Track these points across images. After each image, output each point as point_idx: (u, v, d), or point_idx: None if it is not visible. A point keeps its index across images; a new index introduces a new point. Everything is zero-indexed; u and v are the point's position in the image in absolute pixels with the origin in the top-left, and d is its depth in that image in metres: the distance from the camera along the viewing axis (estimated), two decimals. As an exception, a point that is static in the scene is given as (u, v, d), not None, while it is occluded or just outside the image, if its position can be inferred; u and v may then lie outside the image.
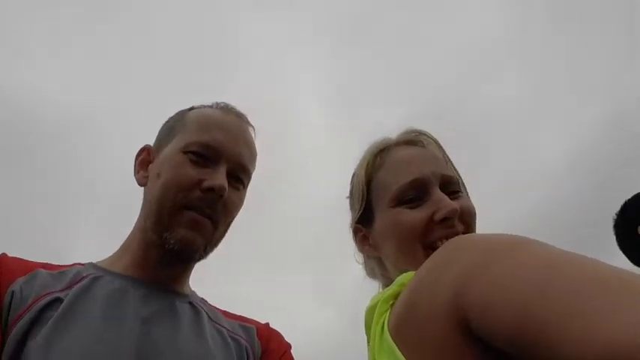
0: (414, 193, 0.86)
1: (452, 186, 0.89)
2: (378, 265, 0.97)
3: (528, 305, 0.42)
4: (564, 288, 0.41)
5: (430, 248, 0.83)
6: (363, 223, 0.96)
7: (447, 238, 0.81)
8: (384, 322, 0.63)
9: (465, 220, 0.86)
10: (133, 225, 1.00)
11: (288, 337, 1.03)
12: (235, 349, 0.92)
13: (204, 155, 0.93)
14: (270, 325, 1.05)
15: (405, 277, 0.66)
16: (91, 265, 0.95)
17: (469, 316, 0.48)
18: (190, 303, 0.96)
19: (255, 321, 1.03)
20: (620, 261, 1.97)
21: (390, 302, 0.66)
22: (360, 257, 1.02)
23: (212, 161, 0.93)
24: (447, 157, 0.94)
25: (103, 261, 0.98)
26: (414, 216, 0.85)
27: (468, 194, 0.94)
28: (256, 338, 0.98)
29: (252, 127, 1.04)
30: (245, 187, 1.01)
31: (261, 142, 1.05)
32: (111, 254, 1.00)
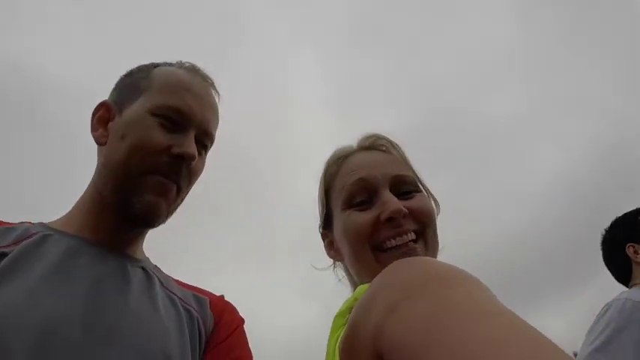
0: (363, 196, 0.88)
1: (405, 186, 0.89)
2: (345, 269, 0.98)
3: None
4: (447, 349, 0.38)
5: (378, 249, 0.85)
6: (328, 229, 0.98)
7: (395, 237, 0.84)
8: (337, 339, 0.62)
9: (419, 219, 0.87)
10: (88, 185, 0.96)
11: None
12: (186, 319, 0.90)
13: (174, 120, 0.91)
14: (225, 298, 1.02)
15: (359, 292, 0.65)
16: (41, 224, 0.92)
17: (384, 355, 0.46)
18: (143, 268, 0.93)
19: (208, 292, 1.01)
20: (605, 277, 2.03)
21: (346, 317, 0.64)
22: (319, 263, 1.04)
23: (181, 127, 0.91)
24: (406, 158, 0.95)
25: (54, 221, 0.94)
26: (362, 217, 0.86)
27: (428, 194, 0.94)
28: (209, 310, 0.95)
29: (217, 92, 1.02)
30: (209, 149, 1.00)
31: (223, 107, 1.03)
32: (62, 215, 0.96)
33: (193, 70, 1.00)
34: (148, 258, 1.00)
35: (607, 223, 2.08)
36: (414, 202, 0.87)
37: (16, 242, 0.83)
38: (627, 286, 1.94)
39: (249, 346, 0.97)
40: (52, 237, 0.87)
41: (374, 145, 0.96)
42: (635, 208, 2.02)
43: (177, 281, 1.00)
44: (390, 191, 0.87)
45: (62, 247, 0.85)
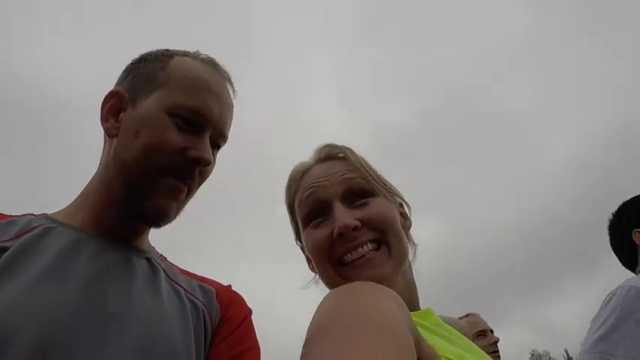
0: (318, 212, 0.89)
1: (356, 195, 0.89)
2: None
3: None
4: None
5: (339, 264, 0.86)
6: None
7: (351, 251, 0.84)
8: None
9: (375, 227, 0.86)
10: (92, 176, 0.94)
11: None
12: (191, 311, 0.88)
13: (190, 121, 0.87)
14: (232, 288, 1.00)
15: None
16: (44, 216, 0.90)
17: None
18: (148, 259, 0.92)
19: (215, 282, 0.99)
20: (612, 262, 1.98)
21: None
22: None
23: (198, 128, 0.88)
24: (363, 162, 0.94)
25: (57, 213, 0.92)
26: (318, 235, 0.88)
27: (392, 195, 0.93)
28: (215, 301, 0.93)
29: (234, 88, 0.98)
30: (222, 146, 0.97)
31: (240, 108, 1.00)
32: (65, 206, 0.94)
33: (212, 64, 0.96)
34: (153, 248, 0.98)
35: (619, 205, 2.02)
36: (368, 211, 0.87)
37: (17, 236, 0.81)
38: (634, 272, 1.90)
39: (257, 337, 0.95)
40: (55, 229, 0.85)
41: (330, 154, 0.96)
42: None
43: (183, 271, 0.98)
44: (344, 201, 0.88)
45: (64, 240, 0.83)
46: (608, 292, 1.75)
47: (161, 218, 0.88)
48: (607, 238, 2.03)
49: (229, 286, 1.00)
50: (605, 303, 1.72)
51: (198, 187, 0.94)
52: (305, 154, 1.00)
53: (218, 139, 0.94)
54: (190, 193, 0.92)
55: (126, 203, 0.87)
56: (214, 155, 0.94)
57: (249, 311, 0.98)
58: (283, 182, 1.00)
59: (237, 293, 1.00)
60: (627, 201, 1.99)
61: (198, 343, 0.85)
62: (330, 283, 0.88)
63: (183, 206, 0.92)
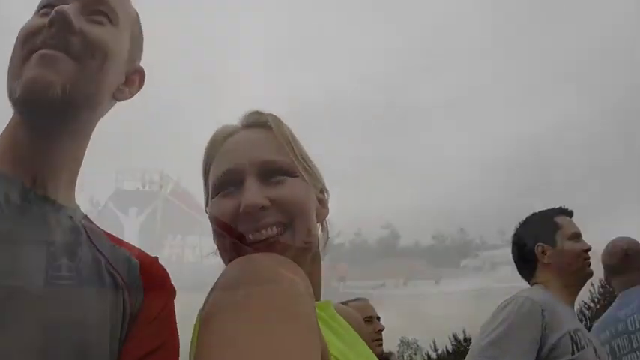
0: (229, 182, 0.85)
1: (273, 172, 0.85)
2: None
3: None
4: None
5: (240, 240, 0.81)
6: None
7: (253, 232, 0.80)
8: None
9: (285, 209, 0.82)
10: None
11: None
12: (110, 285, 0.78)
13: (47, 4, 0.80)
14: (159, 261, 0.90)
15: None
16: None
17: None
18: (70, 218, 0.81)
19: (141, 252, 0.88)
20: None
21: None
22: None
23: (54, 4, 0.79)
24: (288, 137, 0.89)
25: None
26: (224, 206, 0.83)
27: (308, 178, 0.88)
28: (139, 277, 0.83)
29: None
30: (115, 23, 0.84)
31: None
32: None
33: None
34: (78, 207, 0.86)
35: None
36: (281, 191, 0.83)
37: None
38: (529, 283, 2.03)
39: (176, 325, 0.85)
40: None
41: (257, 122, 0.92)
42: (554, 207, 2.10)
43: (109, 235, 0.87)
44: (259, 176, 0.83)
45: None
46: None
47: (34, 88, 0.73)
48: None
49: (155, 259, 0.89)
50: (502, 307, 1.83)
51: (95, 56, 0.79)
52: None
53: (94, 5, 0.81)
54: (80, 61, 0.77)
55: (13, 106, 0.77)
56: (105, 26, 0.82)
57: (172, 293, 0.88)
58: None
59: (163, 269, 0.89)
60: (535, 214, 2.13)
61: (114, 328, 0.76)
62: (227, 259, 0.83)
63: (82, 79, 0.77)
